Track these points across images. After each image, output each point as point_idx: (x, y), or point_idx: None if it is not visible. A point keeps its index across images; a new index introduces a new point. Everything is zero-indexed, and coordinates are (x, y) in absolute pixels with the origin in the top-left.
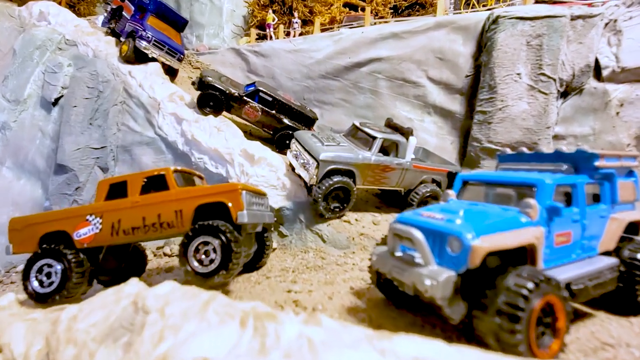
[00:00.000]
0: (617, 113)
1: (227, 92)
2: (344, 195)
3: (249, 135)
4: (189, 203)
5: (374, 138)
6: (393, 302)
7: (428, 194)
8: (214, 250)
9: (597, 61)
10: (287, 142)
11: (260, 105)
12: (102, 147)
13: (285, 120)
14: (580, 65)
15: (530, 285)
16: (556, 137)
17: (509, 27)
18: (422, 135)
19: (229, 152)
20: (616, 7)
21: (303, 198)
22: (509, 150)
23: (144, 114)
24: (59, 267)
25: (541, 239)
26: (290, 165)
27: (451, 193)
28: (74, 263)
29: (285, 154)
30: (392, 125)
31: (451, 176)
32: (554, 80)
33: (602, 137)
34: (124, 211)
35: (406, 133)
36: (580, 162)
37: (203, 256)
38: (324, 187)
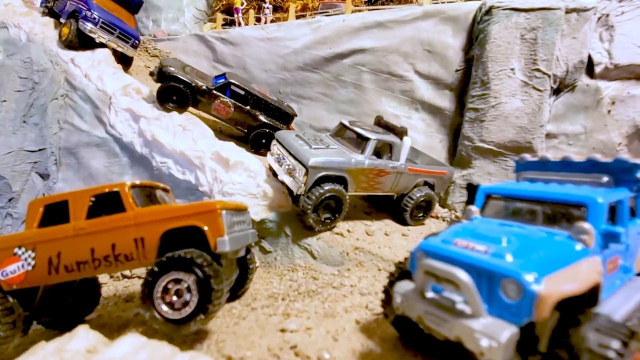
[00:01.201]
0: (609, 111)
1: (193, 84)
2: (336, 204)
3: (220, 133)
4: (153, 228)
5: (367, 139)
6: (406, 340)
7: (422, 199)
8: (188, 289)
9: (589, 57)
10: (263, 141)
11: (233, 100)
12: (40, 150)
13: (261, 117)
14: (574, 61)
15: (617, 345)
16: (547, 136)
17: (503, 19)
18: (410, 133)
19: (199, 155)
20: (608, 1)
21: (288, 207)
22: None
23: (91, 109)
24: None
25: (601, 272)
26: (271, 169)
27: (474, 210)
28: (0, 311)
29: (260, 154)
30: (383, 124)
31: (471, 189)
32: (549, 76)
33: (594, 135)
34: (65, 241)
35: (400, 133)
36: (620, 173)
37: (174, 297)
38: (314, 197)
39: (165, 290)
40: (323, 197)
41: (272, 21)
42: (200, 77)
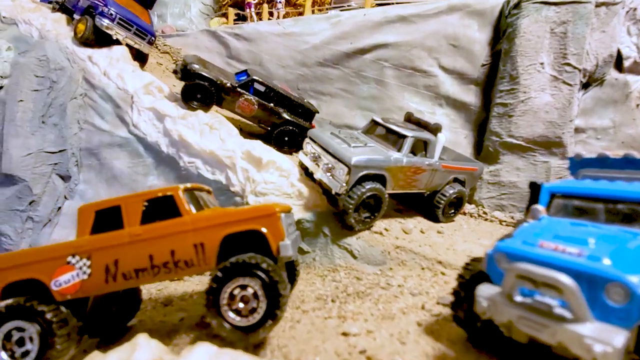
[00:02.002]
0: (638, 105)
1: (218, 82)
2: (375, 203)
3: (240, 131)
4: (213, 233)
5: (404, 137)
6: (476, 341)
7: (454, 196)
8: (254, 295)
9: (618, 51)
10: (286, 138)
11: (257, 98)
12: (60, 151)
13: (284, 115)
14: (604, 55)
15: None
16: (576, 130)
17: (532, 13)
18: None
19: (229, 155)
20: None
21: (323, 207)
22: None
23: (112, 108)
24: (33, 330)
25: None
26: (303, 167)
27: (541, 209)
28: (55, 323)
29: (284, 152)
30: (414, 121)
31: (534, 188)
32: (579, 70)
33: (622, 130)
34: (121, 248)
35: (434, 129)
36: None
37: (241, 304)
38: (355, 196)
39: (232, 297)
40: (364, 196)
41: (283, 16)
42: (223, 74)
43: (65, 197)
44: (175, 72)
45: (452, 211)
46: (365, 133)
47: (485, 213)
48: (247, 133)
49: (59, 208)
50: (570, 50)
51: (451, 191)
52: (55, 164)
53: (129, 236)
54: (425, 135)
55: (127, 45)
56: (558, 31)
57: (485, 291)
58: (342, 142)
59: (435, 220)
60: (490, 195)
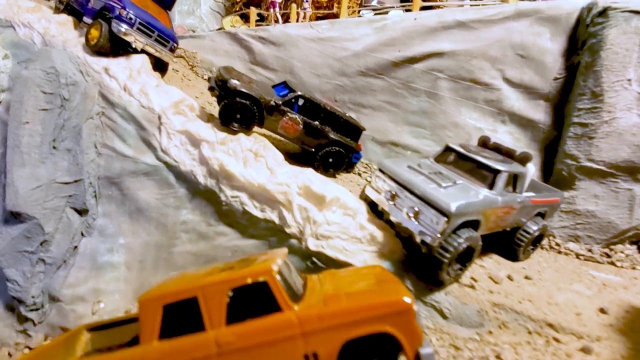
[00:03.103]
0: None
1: (262, 100)
2: (466, 252)
3: None
4: (329, 339)
5: (497, 172)
6: None
7: (537, 233)
8: None
9: None
10: (331, 160)
11: (302, 116)
12: (75, 181)
13: (332, 135)
14: None
15: None
16: None
17: (621, 23)
18: None
19: (283, 190)
20: None
21: (400, 253)
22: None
23: (135, 130)
24: None
25: None
26: (367, 200)
27: None
28: None
29: (330, 175)
30: (492, 147)
31: None
32: None
33: None
34: None
35: (522, 159)
36: None
37: None
38: (452, 249)
39: None
40: (461, 248)
41: (310, 17)
42: (262, 88)
43: (82, 234)
44: (211, 88)
45: (531, 247)
46: (437, 161)
47: (558, 245)
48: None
49: (75, 247)
50: None
51: (535, 227)
52: (70, 196)
53: (215, 344)
54: (517, 168)
55: (145, 52)
56: None
57: None
58: (428, 180)
59: (513, 258)
60: (563, 224)
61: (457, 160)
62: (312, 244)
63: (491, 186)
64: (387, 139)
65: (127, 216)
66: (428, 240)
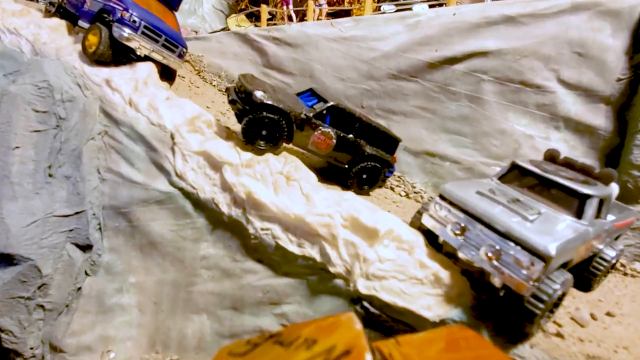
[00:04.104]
0: None
1: (291, 113)
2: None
3: None
4: None
5: (586, 197)
6: None
7: (616, 260)
8: None
9: None
10: (364, 176)
11: (335, 130)
12: (76, 213)
13: (367, 149)
14: None
15: None
16: None
17: None
18: None
19: (325, 222)
20: None
21: (469, 296)
22: None
23: (144, 152)
24: None
25: None
26: (422, 228)
27: None
28: None
29: (364, 193)
30: (562, 162)
31: None
32: None
33: None
34: None
35: (606, 177)
36: None
37: None
38: (547, 298)
39: None
40: (559, 295)
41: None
42: (289, 98)
43: (87, 273)
44: (232, 102)
45: (604, 276)
46: (504, 182)
47: (623, 266)
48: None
49: (79, 288)
50: None
51: (613, 254)
52: (70, 230)
53: None
54: (604, 190)
55: (151, 59)
56: None
57: None
58: (508, 211)
59: (586, 288)
60: (628, 242)
61: (530, 181)
62: (363, 286)
63: (579, 214)
64: (422, 149)
65: (138, 251)
66: (513, 285)
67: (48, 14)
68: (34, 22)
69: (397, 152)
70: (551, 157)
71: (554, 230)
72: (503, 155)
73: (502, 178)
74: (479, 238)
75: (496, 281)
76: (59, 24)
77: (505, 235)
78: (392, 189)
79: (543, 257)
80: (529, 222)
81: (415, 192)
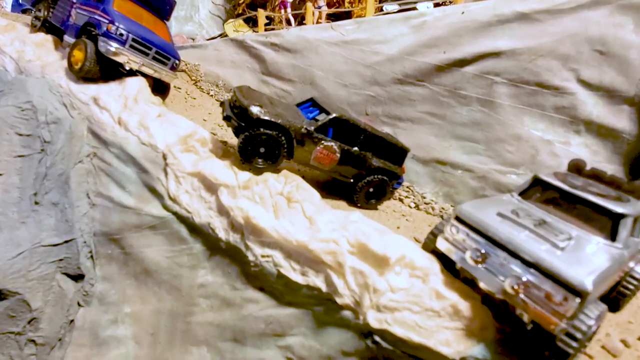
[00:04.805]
0: None
1: (291, 128)
2: None
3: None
4: None
5: (621, 217)
6: None
7: None
8: None
9: None
10: (371, 190)
11: (339, 143)
12: (65, 242)
13: (374, 161)
14: None
15: None
16: None
17: None
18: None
19: (330, 249)
20: None
21: (492, 329)
22: None
23: (136, 174)
24: None
25: None
26: (436, 251)
27: None
28: None
29: (372, 208)
30: (588, 174)
31: None
32: None
33: None
34: None
35: (639, 191)
36: None
37: None
38: (581, 336)
39: None
40: (595, 330)
41: (326, 17)
42: (288, 110)
43: (79, 304)
44: (227, 118)
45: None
46: (526, 198)
47: None
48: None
49: (71, 321)
50: None
51: None
52: (60, 260)
53: None
54: (638, 206)
55: (141, 73)
56: None
57: None
58: (535, 236)
59: (613, 308)
60: None
61: (556, 198)
62: (373, 319)
63: (613, 236)
64: (431, 157)
65: (133, 279)
66: (550, 326)
67: (34, 29)
68: (19, 38)
69: (406, 161)
70: (576, 167)
71: (587, 258)
72: (519, 162)
73: (524, 194)
74: (503, 268)
75: (524, 316)
76: (45, 39)
77: (534, 266)
78: (400, 200)
79: (579, 293)
80: (559, 249)
81: (425, 203)
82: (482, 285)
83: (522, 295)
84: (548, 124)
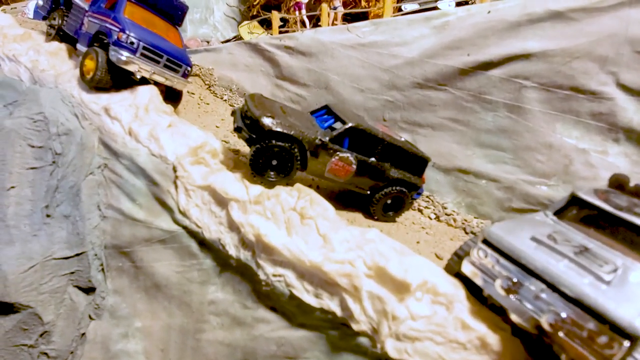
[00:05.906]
0: None
1: (304, 140)
2: None
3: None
4: None
5: None
6: None
7: None
8: None
9: None
10: (389, 202)
11: (355, 154)
12: (77, 255)
13: (392, 172)
14: None
15: None
16: None
17: None
18: (605, 175)
19: (346, 271)
20: None
21: None
22: None
23: (146, 186)
24: None
25: None
26: (459, 274)
27: None
28: None
29: (390, 220)
30: (633, 190)
31: None
32: None
33: None
34: None
35: None
36: None
37: None
38: None
39: None
40: None
41: (342, 18)
42: (301, 120)
43: (90, 317)
44: (238, 129)
45: None
46: (562, 219)
47: None
48: (320, 191)
49: (83, 334)
50: None
51: None
52: (72, 272)
53: None
54: None
55: (153, 81)
56: None
57: None
58: (576, 266)
59: None
60: None
61: (598, 219)
62: (392, 348)
63: None
64: (453, 165)
65: (143, 293)
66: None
67: (49, 37)
68: (34, 48)
69: (426, 170)
70: (619, 183)
71: (637, 294)
72: (550, 172)
73: (560, 214)
74: (539, 301)
75: (562, 355)
76: (59, 48)
77: (576, 301)
78: (420, 210)
79: (629, 335)
80: (604, 283)
81: (446, 214)
82: (513, 317)
83: (561, 334)
84: (583, 132)
